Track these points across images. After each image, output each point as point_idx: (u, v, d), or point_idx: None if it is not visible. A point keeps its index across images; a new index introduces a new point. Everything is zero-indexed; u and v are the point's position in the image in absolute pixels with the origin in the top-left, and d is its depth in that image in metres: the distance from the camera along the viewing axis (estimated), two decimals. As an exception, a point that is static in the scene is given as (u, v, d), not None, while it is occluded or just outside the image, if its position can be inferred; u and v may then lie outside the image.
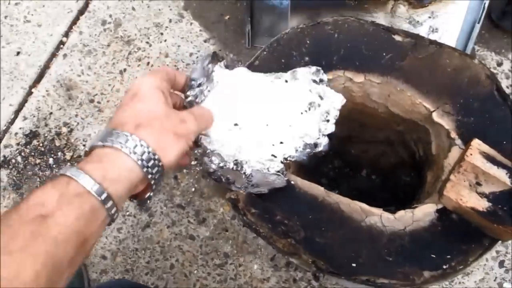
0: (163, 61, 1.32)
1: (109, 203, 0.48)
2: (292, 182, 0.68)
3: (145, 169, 0.51)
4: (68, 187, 0.46)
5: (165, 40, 1.35)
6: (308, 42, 0.75)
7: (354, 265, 0.63)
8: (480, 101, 0.70)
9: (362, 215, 0.66)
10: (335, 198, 0.67)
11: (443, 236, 0.64)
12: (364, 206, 0.66)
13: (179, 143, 0.54)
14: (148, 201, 0.57)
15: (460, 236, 0.64)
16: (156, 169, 0.52)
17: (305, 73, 0.68)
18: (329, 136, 0.67)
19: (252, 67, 0.73)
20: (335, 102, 0.68)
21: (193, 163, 1.27)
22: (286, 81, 0.67)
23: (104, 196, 0.47)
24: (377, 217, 0.65)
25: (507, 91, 1.24)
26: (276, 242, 0.67)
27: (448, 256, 0.63)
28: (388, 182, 1.03)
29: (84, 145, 1.31)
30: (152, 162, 0.51)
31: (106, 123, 1.30)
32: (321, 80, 0.68)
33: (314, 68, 0.68)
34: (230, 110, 0.65)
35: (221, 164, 0.63)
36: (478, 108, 0.69)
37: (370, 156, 1.04)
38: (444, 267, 0.62)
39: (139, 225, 1.23)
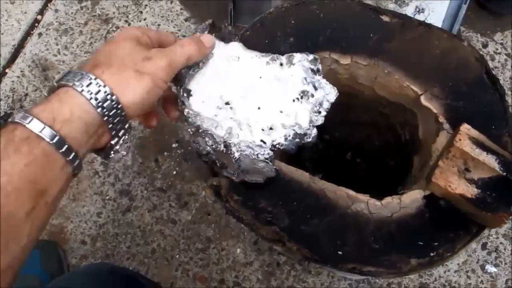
0: (142, 40, 1.28)
1: (64, 147, 0.43)
2: (276, 168, 0.66)
3: (100, 110, 0.46)
4: (15, 133, 0.42)
5: (145, 19, 1.30)
6: (292, 22, 0.72)
7: (340, 253, 0.62)
8: (469, 85, 0.68)
9: (348, 201, 0.64)
10: (320, 184, 0.65)
11: (430, 223, 0.62)
12: (351, 192, 0.65)
13: (141, 80, 0.48)
14: (112, 153, 0.51)
15: (448, 223, 0.62)
16: (114, 111, 0.47)
17: (302, 60, 0.65)
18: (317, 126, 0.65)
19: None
20: (329, 95, 0.65)
21: (174, 145, 1.24)
22: (281, 64, 0.65)
23: (56, 138, 0.42)
24: (364, 203, 0.64)
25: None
26: (259, 229, 0.65)
27: (436, 244, 0.62)
28: (373, 166, 1.02)
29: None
30: (108, 102, 0.46)
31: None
32: (318, 70, 0.65)
33: (311, 56, 0.65)
34: (223, 86, 0.63)
35: (214, 146, 0.61)
36: (467, 92, 0.68)
37: (355, 139, 1.02)
38: (431, 254, 0.61)
39: (119, 210, 1.20)
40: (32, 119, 0.42)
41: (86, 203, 1.22)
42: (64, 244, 1.19)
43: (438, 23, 1.16)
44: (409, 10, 1.16)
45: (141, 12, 1.31)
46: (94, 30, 1.31)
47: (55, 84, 0.47)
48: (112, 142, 0.50)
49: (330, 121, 1.02)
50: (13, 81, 1.30)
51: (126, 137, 0.51)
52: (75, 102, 0.45)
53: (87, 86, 0.45)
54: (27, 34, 1.33)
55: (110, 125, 0.48)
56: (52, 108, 0.44)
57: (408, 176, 0.78)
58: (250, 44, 0.70)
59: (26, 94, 1.28)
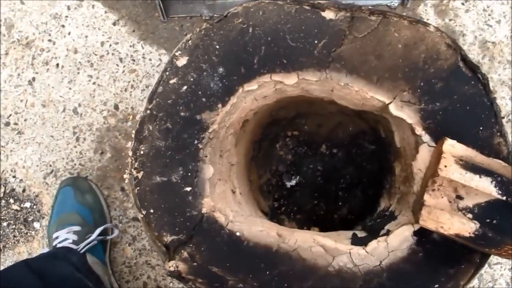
0: (73, 58, 1.13)
1: None
2: (238, 234, 0.56)
3: None
4: None
5: (69, 33, 1.14)
6: (217, 47, 0.58)
7: (330, 321, 0.53)
8: (444, 80, 0.56)
9: (327, 257, 0.54)
10: (291, 243, 0.55)
11: (426, 263, 0.53)
12: (328, 243, 0.54)
13: None
14: None
15: (446, 259, 0.53)
16: None
17: None
18: None
19: (156, 95, 0.58)
20: None
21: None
22: None
23: None
24: (346, 255, 0.54)
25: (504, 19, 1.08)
26: (236, 306, 0.55)
27: (436, 286, 0.52)
28: (351, 154, 0.91)
29: (14, 176, 1.14)
30: None
31: (31, 145, 1.13)
32: None
33: None
34: None
35: None
36: (443, 89, 0.56)
37: (326, 130, 0.91)
38: (434, 300, 0.52)
39: (98, 248, 1.11)
40: None
41: (62, 248, 1.12)
42: None
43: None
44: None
45: (63, 26, 1.14)
46: (18, 59, 1.14)
47: None
48: None
49: (295, 117, 0.90)
50: None
51: None
52: None
53: None
54: None
55: None
56: None
57: (391, 186, 0.68)
58: (175, 91, 0.57)
59: (-35, 146, 1.15)
